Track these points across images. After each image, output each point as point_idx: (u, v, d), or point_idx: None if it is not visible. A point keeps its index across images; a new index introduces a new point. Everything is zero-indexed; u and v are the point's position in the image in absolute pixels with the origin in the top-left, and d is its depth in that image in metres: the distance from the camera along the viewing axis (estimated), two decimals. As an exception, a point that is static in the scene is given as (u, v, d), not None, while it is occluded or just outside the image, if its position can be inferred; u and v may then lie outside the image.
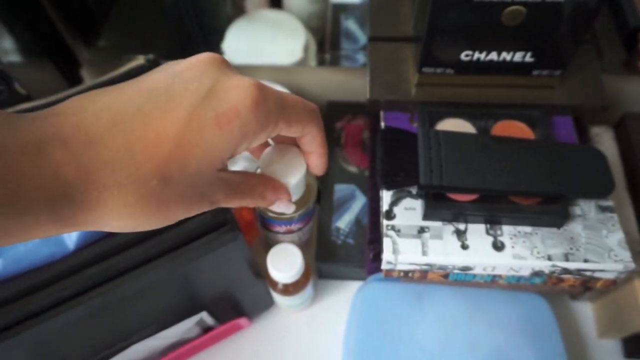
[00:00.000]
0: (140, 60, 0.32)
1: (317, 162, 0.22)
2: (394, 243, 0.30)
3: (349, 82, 0.43)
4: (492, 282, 0.32)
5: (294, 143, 0.23)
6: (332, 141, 0.42)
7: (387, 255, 0.29)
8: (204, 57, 0.18)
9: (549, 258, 0.29)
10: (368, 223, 0.36)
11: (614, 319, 0.36)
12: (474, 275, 0.31)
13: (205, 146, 0.17)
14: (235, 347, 0.37)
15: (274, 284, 0.34)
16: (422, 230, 0.30)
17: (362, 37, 0.46)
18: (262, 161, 0.23)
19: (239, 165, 0.37)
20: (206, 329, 0.35)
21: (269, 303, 0.38)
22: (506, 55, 0.31)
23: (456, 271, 0.30)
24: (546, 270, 0.29)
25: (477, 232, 0.30)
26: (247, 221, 0.38)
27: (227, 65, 0.18)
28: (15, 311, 0.24)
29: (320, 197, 0.40)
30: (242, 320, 0.36)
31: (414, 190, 0.32)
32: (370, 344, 0.33)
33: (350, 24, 0.47)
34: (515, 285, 0.33)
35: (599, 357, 0.36)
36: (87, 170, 0.15)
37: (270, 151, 0.23)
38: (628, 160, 0.38)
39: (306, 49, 0.44)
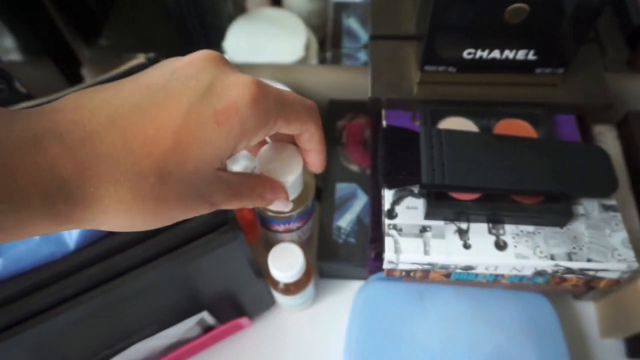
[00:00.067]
0: (140, 58, 0.32)
1: (316, 160, 0.22)
2: (395, 242, 0.29)
3: (351, 81, 0.43)
4: (495, 281, 0.32)
5: (291, 141, 0.23)
6: (334, 140, 0.42)
7: (388, 255, 0.29)
8: (202, 54, 0.18)
9: (552, 257, 0.29)
10: (370, 222, 0.36)
11: (617, 319, 0.35)
12: (476, 275, 0.31)
13: (204, 143, 0.16)
14: (236, 347, 0.37)
15: (275, 283, 0.34)
16: (424, 229, 0.30)
17: (363, 36, 0.46)
18: (260, 159, 0.23)
19: (239, 163, 0.37)
20: (207, 329, 0.35)
21: (270, 302, 0.38)
22: (509, 53, 0.31)
23: (458, 271, 0.30)
24: (549, 270, 0.29)
25: (479, 231, 0.30)
26: (248, 220, 0.38)
27: (225, 63, 0.18)
28: (15, 311, 0.23)
29: (320, 195, 0.39)
30: (243, 320, 0.36)
31: (415, 189, 0.31)
32: (371, 344, 0.33)
33: (352, 22, 0.47)
34: (518, 284, 0.33)
35: (601, 357, 0.36)
36: (84, 166, 0.15)
37: (268, 149, 0.23)
38: (631, 159, 0.37)
39: (307, 47, 0.44)
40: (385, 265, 0.30)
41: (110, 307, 0.26)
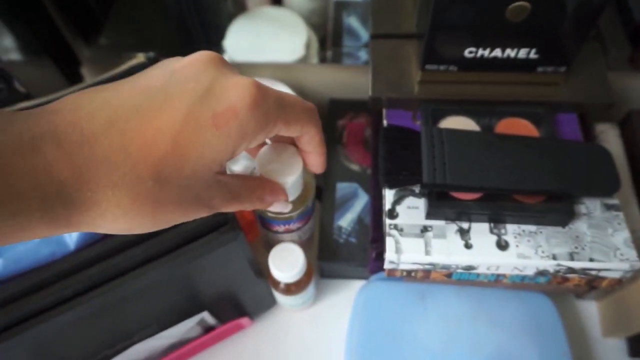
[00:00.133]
0: (140, 58, 0.32)
1: (316, 162, 0.22)
2: (396, 242, 0.29)
3: (351, 80, 0.43)
4: (496, 281, 0.32)
5: (290, 141, 0.23)
6: (334, 139, 0.42)
7: (389, 255, 0.29)
8: (202, 55, 0.18)
9: (554, 257, 0.29)
10: (370, 222, 0.36)
11: (619, 318, 0.35)
12: (478, 275, 0.31)
13: (203, 147, 0.16)
14: (237, 347, 0.37)
15: (275, 283, 0.34)
16: (425, 229, 0.30)
17: (364, 34, 0.46)
18: (259, 160, 0.23)
19: (240, 163, 0.37)
20: (208, 329, 0.35)
21: (270, 302, 0.37)
22: (510, 52, 0.31)
23: (459, 270, 0.30)
24: (551, 270, 0.29)
25: (480, 231, 0.30)
26: (248, 220, 0.38)
27: (225, 64, 0.18)
28: (15, 311, 0.23)
29: (321, 195, 0.39)
30: (244, 320, 0.36)
31: (416, 188, 0.31)
32: (372, 344, 0.33)
33: (353, 21, 0.47)
34: (520, 284, 0.33)
35: (604, 356, 0.36)
36: (81, 169, 0.15)
37: (267, 150, 0.23)
38: (634, 158, 0.37)
39: (308, 46, 0.44)
40: (386, 265, 0.30)
41: (110, 308, 0.26)
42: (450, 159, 0.29)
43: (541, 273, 0.30)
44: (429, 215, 0.30)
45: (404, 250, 0.29)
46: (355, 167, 0.41)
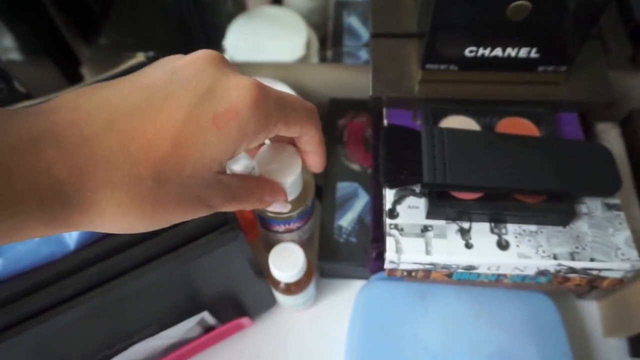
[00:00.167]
0: (140, 57, 0.32)
1: (315, 162, 0.22)
2: (397, 242, 0.29)
3: (352, 79, 0.43)
4: (497, 281, 0.32)
5: (289, 141, 0.23)
6: (335, 139, 0.42)
7: (390, 255, 0.29)
8: (203, 54, 0.18)
9: (555, 257, 0.28)
10: (371, 221, 0.36)
11: (620, 318, 0.35)
12: (478, 275, 0.31)
13: (203, 147, 0.16)
14: (237, 347, 0.37)
15: (276, 283, 0.34)
16: (425, 229, 0.30)
17: (364, 34, 0.46)
18: (258, 160, 0.23)
19: (240, 163, 0.37)
20: (208, 329, 0.35)
21: (271, 302, 0.37)
22: (511, 51, 0.31)
23: (460, 270, 0.30)
24: (552, 270, 0.29)
25: (481, 230, 0.30)
26: (248, 220, 0.38)
27: (226, 64, 0.18)
28: (15, 311, 0.23)
29: (321, 195, 0.39)
30: (244, 320, 0.36)
31: (417, 188, 0.31)
32: (373, 344, 0.33)
33: (353, 21, 0.47)
34: (520, 284, 0.33)
35: (605, 356, 0.36)
36: (81, 169, 0.15)
37: (266, 150, 0.23)
38: (635, 157, 0.37)
39: (308, 45, 0.44)
40: (387, 265, 0.30)
41: (110, 307, 0.26)
42: (451, 159, 0.29)
43: (542, 273, 0.30)
44: (429, 215, 0.30)
45: (405, 250, 0.29)
46: (355, 166, 0.41)
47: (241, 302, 0.35)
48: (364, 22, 0.46)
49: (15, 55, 0.41)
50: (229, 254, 0.28)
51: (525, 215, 0.29)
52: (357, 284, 0.38)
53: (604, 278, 0.30)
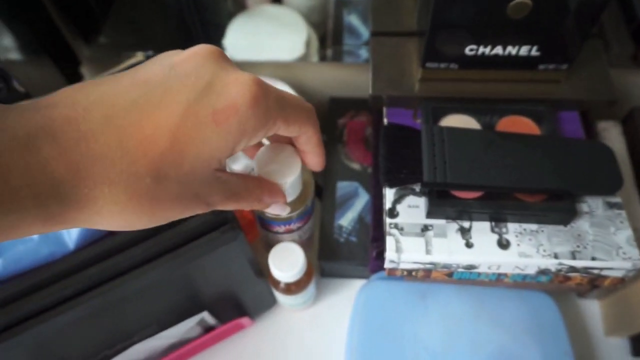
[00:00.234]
0: (139, 57, 0.32)
1: (314, 162, 0.22)
2: (397, 241, 0.29)
3: (352, 78, 0.43)
4: (497, 280, 0.32)
5: (288, 141, 0.23)
6: (335, 138, 0.42)
7: (390, 254, 0.29)
8: (202, 49, 0.18)
9: (556, 256, 0.28)
10: (371, 221, 0.36)
11: (622, 317, 0.35)
12: (479, 274, 0.31)
13: (202, 143, 0.16)
14: (237, 347, 0.37)
15: (276, 283, 0.34)
16: (425, 228, 0.30)
17: (365, 33, 0.46)
18: (258, 161, 0.23)
19: (240, 162, 0.36)
20: (208, 329, 0.35)
21: (271, 302, 0.37)
22: (511, 50, 0.30)
23: (460, 270, 0.30)
24: (552, 269, 0.29)
25: (481, 230, 0.30)
26: (248, 220, 0.38)
27: (225, 59, 0.18)
28: (15, 311, 0.23)
29: (321, 194, 0.39)
30: (244, 320, 0.36)
31: (417, 187, 0.31)
32: (373, 343, 0.33)
33: (353, 19, 0.47)
34: (521, 283, 0.33)
35: (606, 355, 0.36)
36: (78, 167, 0.14)
37: (266, 150, 0.23)
38: (636, 156, 0.37)
39: (308, 44, 0.44)
40: (387, 265, 0.30)
41: (110, 307, 0.26)
42: (451, 158, 0.29)
43: (543, 272, 0.30)
44: (429, 214, 0.30)
45: (405, 249, 0.29)
46: (355, 165, 0.40)
47: (241, 302, 0.35)
48: (364, 21, 0.46)
49: (14, 55, 0.41)
50: (229, 253, 0.27)
51: (525, 214, 0.29)
52: (358, 284, 0.38)
53: (605, 277, 0.30)
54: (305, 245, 0.35)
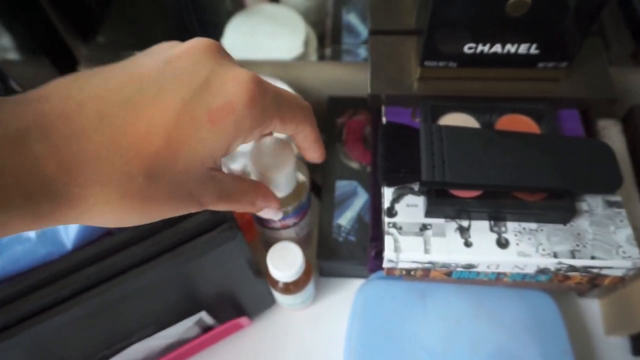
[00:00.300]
0: (137, 56, 0.32)
1: (312, 157, 0.22)
2: (395, 241, 0.29)
3: (351, 77, 0.43)
4: (497, 279, 0.32)
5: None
6: (334, 137, 0.42)
7: (388, 254, 0.29)
8: (199, 43, 0.17)
9: (555, 255, 0.28)
10: (370, 220, 0.36)
11: (622, 316, 0.35)
12: (478, 273, 0.31)
13: (197, 143, 0.16)
14: (236, 347, 0.37)
15: (274, 282, 0.34)
16: (424, 227, 0.30)
17: (363, 31, 0.46)
18: (252, 154, 0.23)
19: (238, 162, 0.36)
20: (206, 329, 0.35)
21: (269, 302, 0.37)
22: (510, 48, 0.30)
23: (459, 269, 0.30)
24: (552, 268, 0.29)
25: (480, 229, 0.29)
26: (247, 220, 0.38)
27: (223, 54, 0.18)
28: (12, 311, 0.23)
29: (320, 193, 0.39)
30: (243, 320, 0.36)
31: (416, 186, 0.31)
32: (372, 343, 0.33)
33: (352, 18, 0.47)
34: (520, 282, 0.33)
35: (606, 354, 0.36)
36: (69, 165, 0.14)
37: (260, 144, 0.23)
38: (636, 154, 0.37)
39: (306, 43, 0.44)
40: (385, 264, 0.30)
41: (108, 307, 0.26)
42: (450, 156, 0.28)
43: (542, 271, 0.29)
44: (428, 214, 0.30)
45: (403, 248, 0.29)
46: (354, 165, 0.40)
47: (240, 301, 0.35)
48: (363, 20, 0.46)
49: (12, 55, 0.41)
50: (227, 253, 0.27)
51: (525, 213, 0.29)
52: (357, 283, 0.37)
53: (605, 276, 0.29)
54: (303, 243, 0.35)
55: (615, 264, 0.28)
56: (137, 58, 0.17)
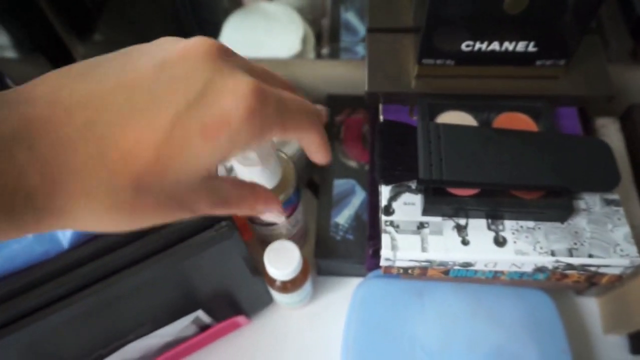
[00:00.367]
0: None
1: (317, 159, 0.21)
2: (392, 239, 0.29)
3: (349, 75, 0.43)
4: (494, 278, 0.32)
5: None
6: (332, 135, 0.42)
7: (385, 252, 0.29)
8: (199, 46, 0.16)
9: (553, 253, 0.28)
10: (368, 218, 0.36)
11: (620, 315, 0.35)
12: (475, 272, 0.31)
13: (188, 157, 0.15)
14: (233, 345, 0.37)
15: (271, 281, 0.34)
16: (421, 225, 0.29)
17: (362, 29, 0.45)
18: None
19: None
20: (203, 327, 0.35)
21: (267, 300, 0.37)
22: (508, 45, 0.30)
23: (457, 267, 0.30)
24: (549, 266, 0.29)
25: (478, 227, 0.29)
26: (244, 219, 0.38)
27: (224, 58, 0.17)
28: (8, 310, 0.23)
29: (317, 192, 0.39)
30: (240, 318, 0.36)
31: (413, 185, 0.31)
32: (369, 341, 0.33)
33: (350, 16, 0.46)
34: (518, 281, 0.32)
35: (604, 353, 0.36)
36: (54, 177, 0.14)
37: None
38: (634, 152, 0.37)
39: (304, 41, 0.44)
40: (383, 263, 0.30)
41: (104, 306, 0.26)
42: (447, 155, 0.28)
43: (540, 269, 0.29)
44: (425, 212, 0.30)
45: (400, 247, 0.29)
46: (352, 163, 0.40)
47: (237, 300, 0.35)
48: (361, 18, 0.46)
49: (8, 53, 0.41)
50: (224, 251, 0.27)
51: (522, 212, 0.29)
52: (354, 282, 0.37)
53: (602, 274, 0.29)
54: (299, 241, 0.35)
55: (613, 262, 0.28)
56: (135, 56, 0.16)
